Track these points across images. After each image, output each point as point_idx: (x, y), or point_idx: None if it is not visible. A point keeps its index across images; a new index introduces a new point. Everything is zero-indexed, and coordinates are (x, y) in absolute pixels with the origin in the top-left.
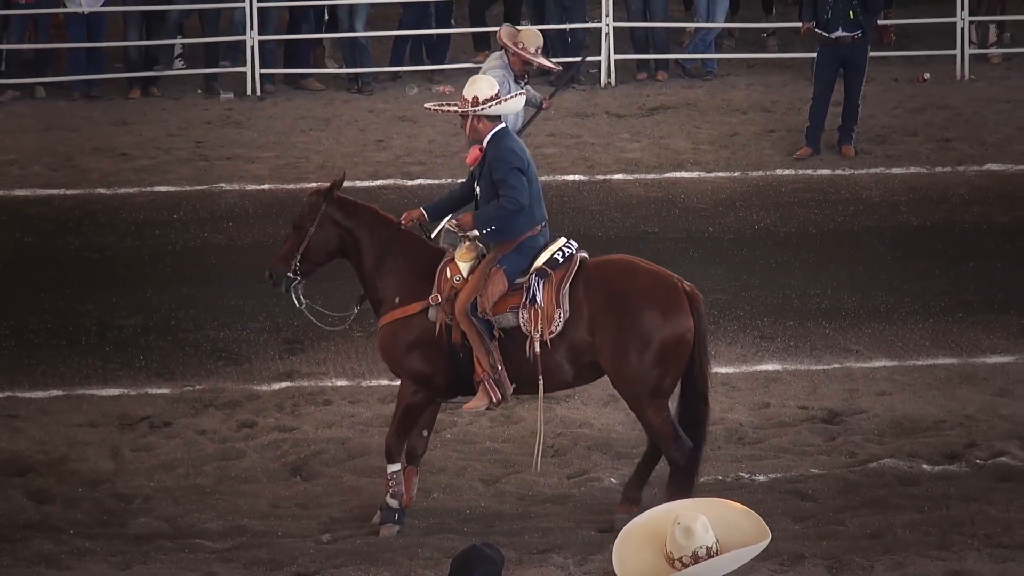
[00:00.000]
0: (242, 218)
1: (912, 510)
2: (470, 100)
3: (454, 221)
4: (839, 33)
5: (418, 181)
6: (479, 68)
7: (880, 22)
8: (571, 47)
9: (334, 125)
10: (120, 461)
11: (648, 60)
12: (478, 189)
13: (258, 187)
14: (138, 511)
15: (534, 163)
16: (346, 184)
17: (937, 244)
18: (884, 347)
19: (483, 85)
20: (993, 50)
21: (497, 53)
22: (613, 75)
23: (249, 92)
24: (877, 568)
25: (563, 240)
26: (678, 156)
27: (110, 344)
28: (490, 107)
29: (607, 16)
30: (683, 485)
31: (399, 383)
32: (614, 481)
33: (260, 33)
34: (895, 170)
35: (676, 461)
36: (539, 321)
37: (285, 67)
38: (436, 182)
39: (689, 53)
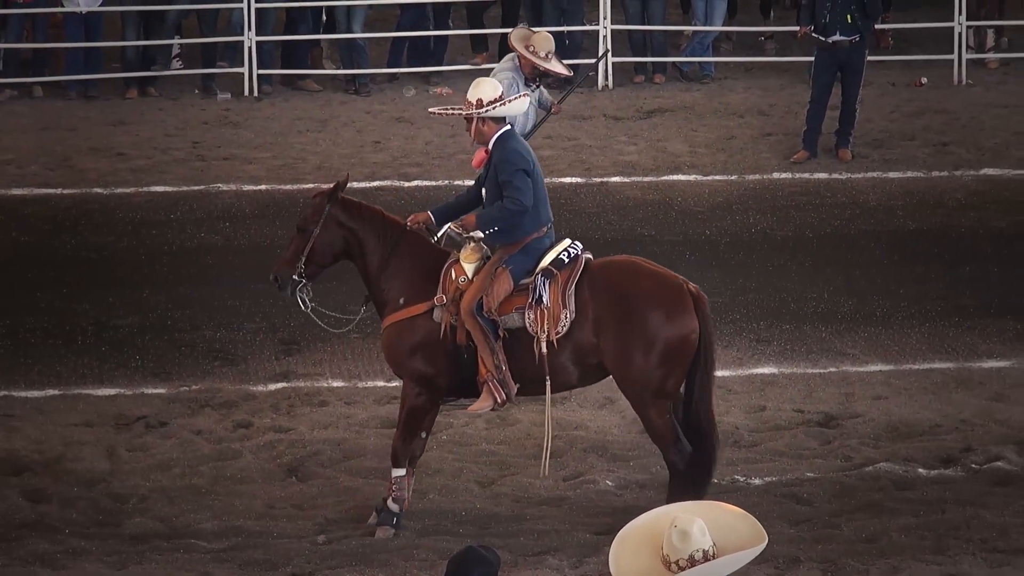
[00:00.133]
0: (239, 218)
1: (908, 514)
2: (474, 102)
3: (457, 224)
4: (837, 37)
5: (415, 183)
6: (476, 70)
7: (878, 26)
8: (568, 49)
9: (331, 126)
10: (116, 461)
11: (646, 63)
12: (484, 191)
13: (255, 188)
14: (134, 511)
15: (540, 165)
16: None
17: (934, 248)
18: (880, 351)
19: (487, 87)
20: (991, 55)
21: (510, 55)
22: (611, 78)
23: (246, 93)
24: (872, 572)
25: (568, 241)
26: (675, 159)
27: (106, 344)
28: (495, 108)
29: (605, 19)
30: (697, 488)
31: (401, 386)
32: (610, 484)
33: (258, 34)
34: (892, 174)
35: (675, 464)
36: (545, 321)
37: (283, 68)
38: (433, 184)
39: (687, 56)
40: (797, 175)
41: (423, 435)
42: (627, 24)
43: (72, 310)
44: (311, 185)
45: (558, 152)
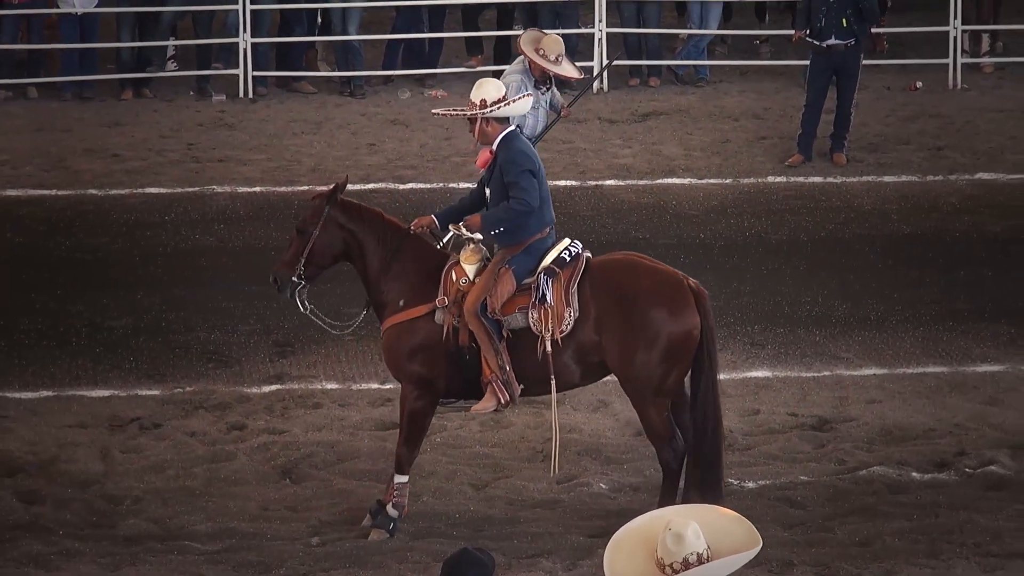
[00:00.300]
0: (233, 220)
1: (901, 518)
2: (477, 103)
3: (460, 225)
4: (832, 41)
5: (410, 185)
6: (471, 73)
7: (873, 30)
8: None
9: (326, 128)
10: (110, 462)
11: (641, 66)
12: (488, 192)
13: (250, 189)
14: (128, 512)
15: (544, 166)
16: None
17: (928, 253)
18: (874, 355)
19: (490, 87)
20: (986, 59)
21: (520, 57)
22: (606, 81)
23: (241, 94)
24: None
25: (567, 240)
26: (670, 162)
27: (100, 345)
28: (499, 109)
29: (600, 22)
30: (711, 489)
31: (400, 390)
32: (603, 486)
33: (253, 35)
34: (887, 178)
35: (669, 464)
36: (549, 321)
37: (278, 70)
38: (428, 186)
39: (682, 59)
40: (792, 179)
41: None
42: (622, 27)
43: (66, 311)
44: (306, 187)
45: (553, 155)
